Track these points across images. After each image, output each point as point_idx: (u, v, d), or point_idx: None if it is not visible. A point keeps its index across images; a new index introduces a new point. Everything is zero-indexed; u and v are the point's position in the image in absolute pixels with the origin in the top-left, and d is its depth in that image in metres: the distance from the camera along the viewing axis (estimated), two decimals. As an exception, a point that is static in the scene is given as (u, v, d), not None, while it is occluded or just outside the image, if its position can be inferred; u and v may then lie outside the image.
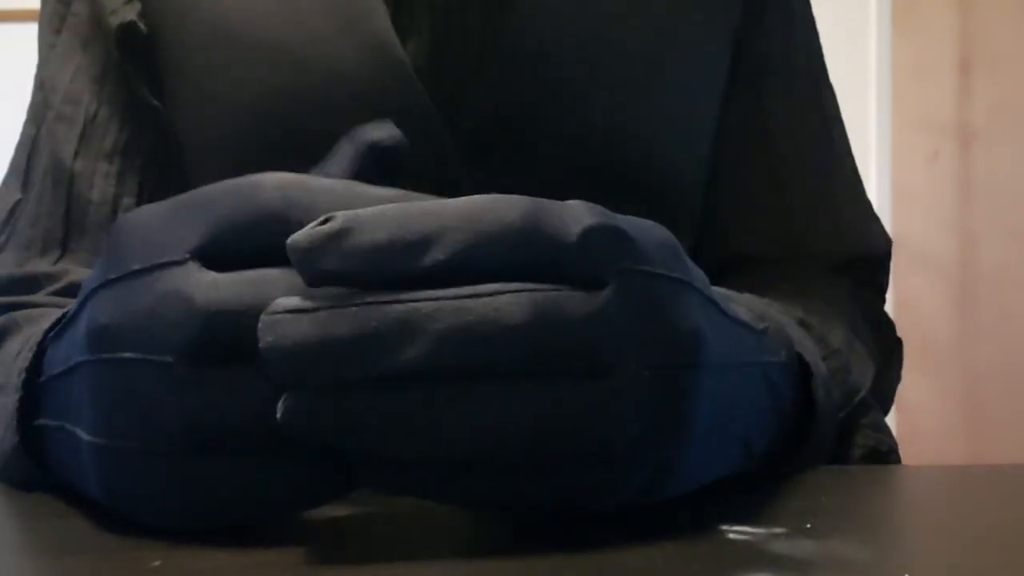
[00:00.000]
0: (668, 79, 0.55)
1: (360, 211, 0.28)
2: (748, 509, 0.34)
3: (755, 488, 0.37)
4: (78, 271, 0.54)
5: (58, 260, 0.55)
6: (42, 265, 0.55)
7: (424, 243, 0.27)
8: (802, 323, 0.50)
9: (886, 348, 0.59)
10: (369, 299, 0.27)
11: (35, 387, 0.36)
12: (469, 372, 0.27)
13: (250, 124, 0.52)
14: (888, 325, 0.60)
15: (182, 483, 0.29)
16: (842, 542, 0.29)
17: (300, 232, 0.28)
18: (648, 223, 0.31)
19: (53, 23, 0.59)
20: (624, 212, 0.32)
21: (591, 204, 0.29)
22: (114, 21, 0.56)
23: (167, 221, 0.30)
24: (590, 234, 0.28)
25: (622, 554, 0.28)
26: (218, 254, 0.29)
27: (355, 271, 0.27)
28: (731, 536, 0.30)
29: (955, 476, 0.44)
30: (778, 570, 0.26)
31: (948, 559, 0.29)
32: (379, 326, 0.27)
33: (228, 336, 0.28)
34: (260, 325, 0.27)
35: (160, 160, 0.57)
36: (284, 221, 0.29)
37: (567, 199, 0.30)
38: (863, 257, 0.61)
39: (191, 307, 0.28)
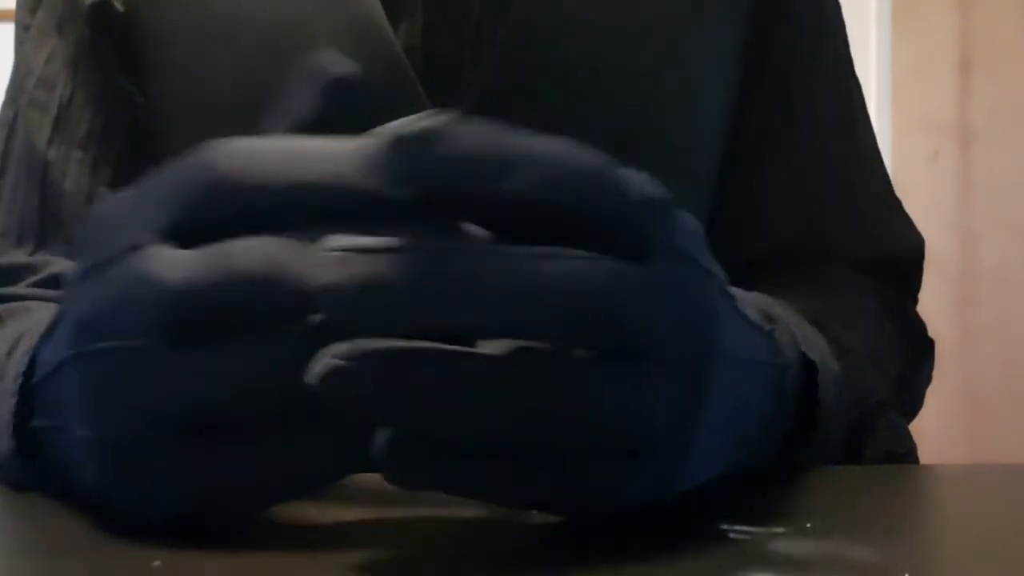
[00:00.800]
0: (674, 73, 0.54)
1: (452, 121, 0.27)
2: (748, 508, 0.33)
3: (755, 487, 0.37)
4: (58, 262, 0.53)
5: (34, 252, 0.55)
6: (19, 256, 0.54)
7: (506, 165, 0.27)
8: (816, 322, 0.49)
9: (917, 349, 0.59)
10: (435, 243, 0.26)
11: (29, 389, 0.36)
12: (515, 335, 0.26)
13: (232, 110, 0.51)
14: (919, 326, 0.60)
15: (169, 470, 0.29)
16: (842, 541, 0.29)
17: (391, 124, 0.27)
18: (683, 211, 0.31)
19: (29, 3, 0.58)
20: None
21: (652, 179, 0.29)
22: (87, 0, 0.55)
23: (133, 206, 0.30)
24: (651, 202, 0.28)
25: (621, 553, 0.28)
26: (185, 232, 0.28)
27: (436, 174, 0.26)
28: (731, 535, 0.30)
29: (955, 476, 0.44)
30: (778, 569, 0.26)
31: (949, 559, 0.29)
32: (438, 278, 0.26)
33: (201, 313, 0.27)
34: (317, 261, 0.26)
35: (137, 146, 0.56)
36: (242, 188, 0.28)
37: None
38: (894, 258, 0.60)
39: (160, 287, 0.28)
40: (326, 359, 0.26)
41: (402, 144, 0.26)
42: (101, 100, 0.56)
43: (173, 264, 0.28)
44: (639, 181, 0.29)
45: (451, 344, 0.26)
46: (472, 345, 0.27)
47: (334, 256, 0.26)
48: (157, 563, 0.27)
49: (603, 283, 0.27)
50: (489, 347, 0.27)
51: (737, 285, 0.46)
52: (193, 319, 0.28)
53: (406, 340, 0.26)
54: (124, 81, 0.56)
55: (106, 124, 0.56)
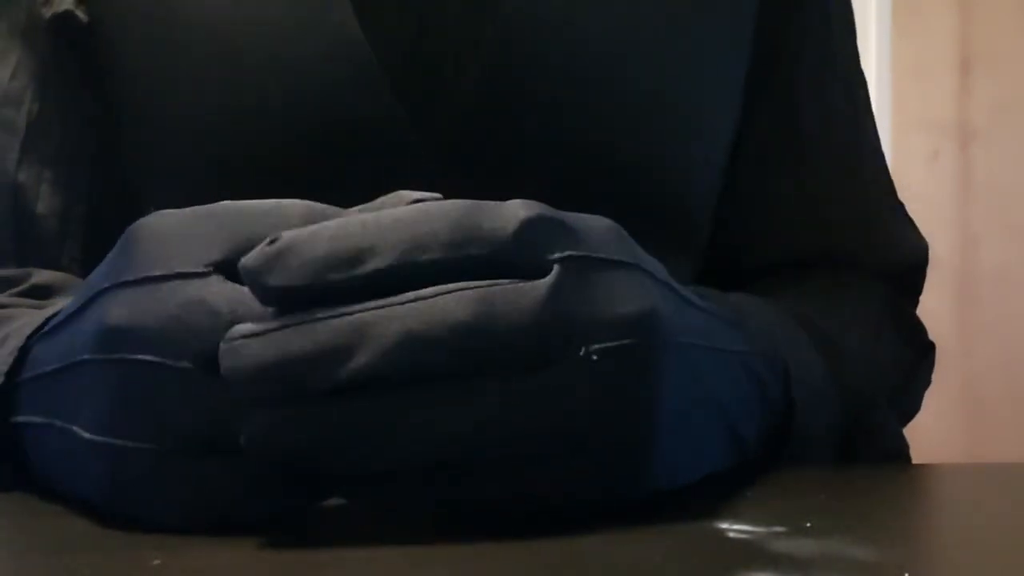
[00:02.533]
0: (671, 86, 0.52)
1: (302, 229, 0.29)
2: (748, 508, 0.33)
3: (754, 487, 0.37)
4: (41, 273, 0.53)
5: None
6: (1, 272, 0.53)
7: (362, 253, 0.28)
8: (809, 324, 0.49)
9: (916, 352, 0.58)
10: (319, 315, 0.28)
11: (13, 385, 0.36)
12: (421, 375, 0.28)
13: (204, 127, 0.50)
14: (919, 329, 0.59)
15: (187, 483, 0.30)
16: (842, 541, 0.29)
17: (250, 254, 0.29)
18: (591, 216, 0.32)
19: None
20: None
21: (529, 200, 0.30)
22: (47, 12, 0.54)
23: (189, 231, 0.31)
24: (526, 226, 0.29)
25: (621, 553, 0.28)
26: (237, 271, 0.30)
27: (299, 285, 0.28)
28: (731, 535, 0.30)
29: (955, 475, 0.44)
30: (778, 569, 0.26)
31: (948, 558, 0.29)
32: (329, 338, 0.27)
33: None
34: (220, 352, 0.28)
35: (107, 160, 0.55)
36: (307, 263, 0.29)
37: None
38: (898, 261, 0.60)
39: (214, 316, 0.29)
40: (247, 426, 0.28)
41: (254, 267, 0.28)
42: (69, 114, 0.55)
43: (230, 298, 0.29)
44: (511, 210, 0.29)
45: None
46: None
47: (227, 345, 0.28)
48: (157, 562, 0.27)
49: (485, 305, 0.28)
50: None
51: (741, 288, 0.46)
52: None
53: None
54: (89, 94, 0.55)
55: (75, 139, 0.55)
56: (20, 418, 0.35)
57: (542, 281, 0.28)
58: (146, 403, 0.30)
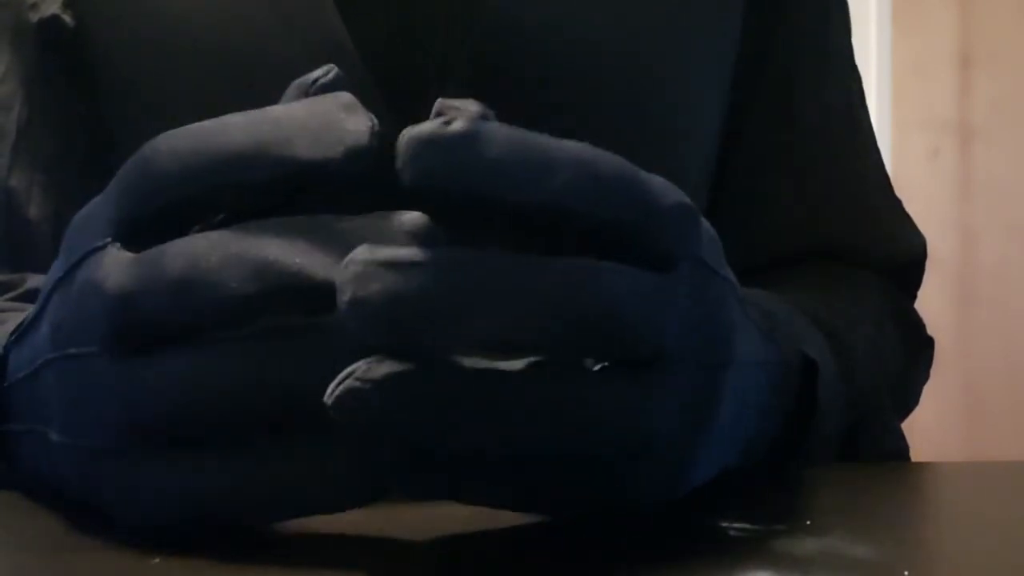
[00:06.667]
0: (658, 83, 0.52)
1: (482, 123, 0.26)
2: (748, 506, 0.34)
3: (755, 485, 0.37)
4: (35, 277, 0.52)
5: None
6: None
7: (541, 173, 0.26)
8: (817, 320, 0.49)
9: (915, 347, 0.58)
10: (462, 256, 0.25)
11: (2, 391, 0.35)
12: (538, 349, 0.26)
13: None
14: (918, 324, 0.60)
15: (132, 483, 0.28)
16: (842, 539, 0.29)
17: (419, 125, 0.25)
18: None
19: None
20: None
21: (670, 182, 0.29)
22: (34, 17, 0.53)
23: (95, 207, 0.30)
24: (678, 210, 0.28)
25: (621, 552, 0.28)
26: (137, 230, 0.28)
27: (469, 182, 0.25)
28: (731, 533, 0.30)
29: (954, 473, 0.44)
30: (778, 567, 0.26)
31: (948, 556, 0.29)
32: (464, 293, 0.24)
33: (139, 321, 0.27)
34: (340, 280, 0.24)
35: (97, 166, 0.54)
36: (182, 181, 0.28)
37: None
38: (897, 256, 0.60)
39: (103, 295, 0.27)
40: (345, 381, 0.25)
41: (435, 142, 0.25)
42: (58, 118, 0.54)
43: (113, 270, 0.27)
44: (665, 188, 0.28)
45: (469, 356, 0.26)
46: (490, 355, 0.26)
47: (359, 270, 0.24)
48: (157, 561, 0.27)
49: (627, 296, 0.26)
50: (504, 362, 0.26)
51: (741, 281, 0.45)
52: (133, 327, 0.27)
53: (422, 356, 0.25)
54: (78, 97, 0.54)
55: (66, 142, 0.54)
56: (6, 426, 0.35)
57: (670, 278, 0.27)
58: (81, 397, 0.28)
